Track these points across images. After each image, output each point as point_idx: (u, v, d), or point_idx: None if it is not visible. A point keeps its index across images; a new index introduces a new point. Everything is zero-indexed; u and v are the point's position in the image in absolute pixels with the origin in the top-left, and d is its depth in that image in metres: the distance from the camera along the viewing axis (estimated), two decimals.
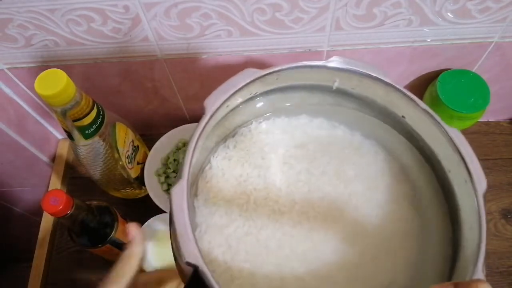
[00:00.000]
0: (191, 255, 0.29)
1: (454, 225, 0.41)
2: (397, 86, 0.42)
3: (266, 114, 0.50)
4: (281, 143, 0.49)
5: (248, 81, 0.40)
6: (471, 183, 0.38)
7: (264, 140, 0.49)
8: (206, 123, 0.37)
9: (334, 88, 0.45)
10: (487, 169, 0.68)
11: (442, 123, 0.41)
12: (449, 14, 0.50)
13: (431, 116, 0.41)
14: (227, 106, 0.41)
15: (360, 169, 0.47)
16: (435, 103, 0.57)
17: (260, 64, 0.58)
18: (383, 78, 0.42)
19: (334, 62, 0.42)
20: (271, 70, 0.41)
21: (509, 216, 0.65)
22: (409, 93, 0.42)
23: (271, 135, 0.49)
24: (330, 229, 0.44)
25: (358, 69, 0.42)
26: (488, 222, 0.64)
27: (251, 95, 0.44)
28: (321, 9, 0.49)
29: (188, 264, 0.29)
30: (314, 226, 0.44)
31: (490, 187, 0.72)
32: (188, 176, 0.34)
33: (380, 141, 0.49)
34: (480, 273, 0.33)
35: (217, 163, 0.47)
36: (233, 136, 0.49)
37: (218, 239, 0.42)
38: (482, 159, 0.72)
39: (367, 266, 0.43)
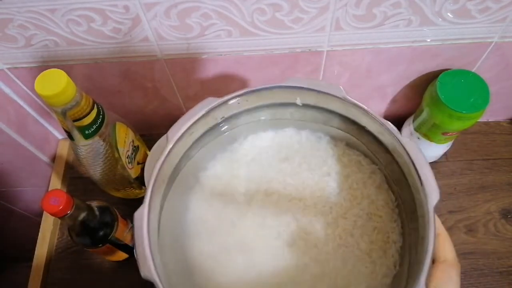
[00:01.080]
0: (147, 272, 0.35)
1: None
2: (347, 98, 0.43)
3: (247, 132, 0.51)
4: (267, 156, 0.50)
5: (206, 109, 0.42)
6: (424, 193, 0.37)
7: (250, 154, 0.50)
8: (168, 153, 0.41)
9: (300, 104, 0.46)
10: (487, 169, 0.68)
11: (396, 132, 0.41)
12: (449, 14, 0.50)
13: (384, 125, 0.41)
14: (191, 133, 0.44)
15: (342, 179, 0.47)
16: (435, 103, 0.57)
17: (259, 65, 0.58)
18: (329, 92, 0.43)
19: (289, 82, 0.44)
20: (229, 97, 0.43)
21: (509, 216, 0.65)
22: (357, 103, 0.42)
23: (257, 149, 0.50)
24: (309, 242, 0.45)
25: (309, 86, 0.43)
26: (488, 222, 0.65)
27: (218, 120, 0.46)
28: (321, 9, 0.49)
29: (145, 278, 0.35)
30: (291, 242, 0.45)
31: (490, 187, 0.72)
32: (150, 202, 0.38)
33: (362, 151, 0.49)
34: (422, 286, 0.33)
35: (208, 181, 0.49)
36: (224, 152, 0.50)
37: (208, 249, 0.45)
38: (482, 159, 0.72)
39: (349, 274, 0.44)
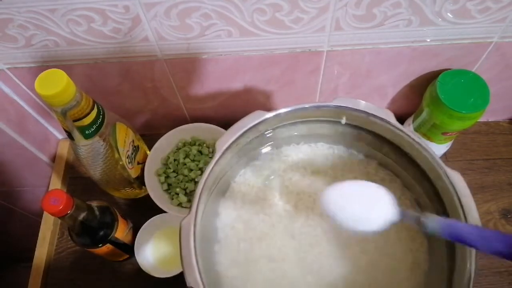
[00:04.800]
0: (193, 282, 0.35)
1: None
2: (400, 127, 0.42)
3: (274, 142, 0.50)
4: (298, 168, 0.50)
5: (256, 122, 0.43)
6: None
7: (283, 165, 0.50)
8: (216, 162, 0.41)
9: (343, 123, 0.46)
10: (487, 169, 0.68)
11: (443, 165, 0.40)
12: (449, 14, 0.50)
13: (433, 158, 0.41)
14: (237, 144, 0.44)
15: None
16: (435, 103, 0.57)
17: (259, 65, 0.58)
18: (385, 118, 0.43)
19: (339, 101, 0.44)
20: (276, 112, 0.43)
21: (509, 216, 0.65)
22: (412, 135, 0.42)
23: (290, 161, 0.50)
24: (337, 259, 0.45)
25: (362, 109, 0.43)
26: (488, 222, 0.64)
27: (261, 132, 0.46)
28: (321, 9, 0.49)
29: (190, 286, 0.35)
30: (320, 257, 0.45)
31: (490, 187, 0.72)
32: (196, 213, 0.38)
33: (395, 171, 0.48)
34: None
35: (238, 187, 0.49)
36: (255, 160, 0.50)
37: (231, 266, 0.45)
38: (482, 159, 0.72)
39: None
